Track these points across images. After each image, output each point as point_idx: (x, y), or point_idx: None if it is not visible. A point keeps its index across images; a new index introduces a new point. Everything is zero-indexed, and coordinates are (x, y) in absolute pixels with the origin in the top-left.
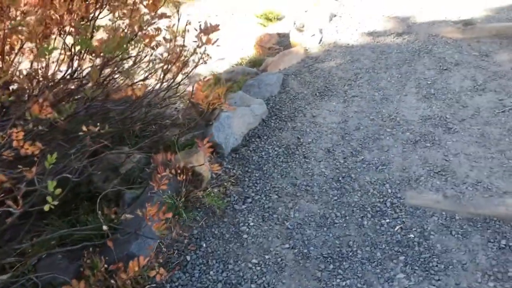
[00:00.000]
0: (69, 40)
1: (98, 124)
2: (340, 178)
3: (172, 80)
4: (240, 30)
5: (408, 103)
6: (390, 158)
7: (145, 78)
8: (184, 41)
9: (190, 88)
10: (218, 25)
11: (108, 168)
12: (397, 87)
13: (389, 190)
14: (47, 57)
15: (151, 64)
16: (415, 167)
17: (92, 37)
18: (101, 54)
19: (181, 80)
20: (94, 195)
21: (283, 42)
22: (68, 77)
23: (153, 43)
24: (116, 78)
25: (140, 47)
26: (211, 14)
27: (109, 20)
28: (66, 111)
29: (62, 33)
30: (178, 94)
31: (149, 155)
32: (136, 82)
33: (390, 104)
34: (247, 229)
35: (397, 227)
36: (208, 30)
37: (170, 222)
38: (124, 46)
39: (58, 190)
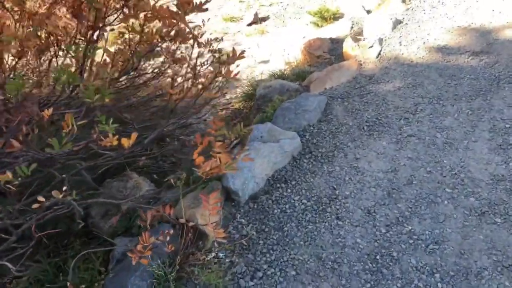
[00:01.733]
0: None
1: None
2: (378, 256)
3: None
4: (290, 27)
5: (478, 153)
6: (445, 233)
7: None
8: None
9: (228, 96)
10: (244, 51)
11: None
12: (466, 128)
13: (439, 285)
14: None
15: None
16: (477, 253)
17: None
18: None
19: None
20: (90, 230)
21: (335, 50)
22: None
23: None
24: None
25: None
26: (264, 3)
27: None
28: (24, 172)
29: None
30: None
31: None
32: (157, 96)
33: (454, 152)
34: None
35: None
36: (229, 60)
37: None
38: (108, 89)
39: None
